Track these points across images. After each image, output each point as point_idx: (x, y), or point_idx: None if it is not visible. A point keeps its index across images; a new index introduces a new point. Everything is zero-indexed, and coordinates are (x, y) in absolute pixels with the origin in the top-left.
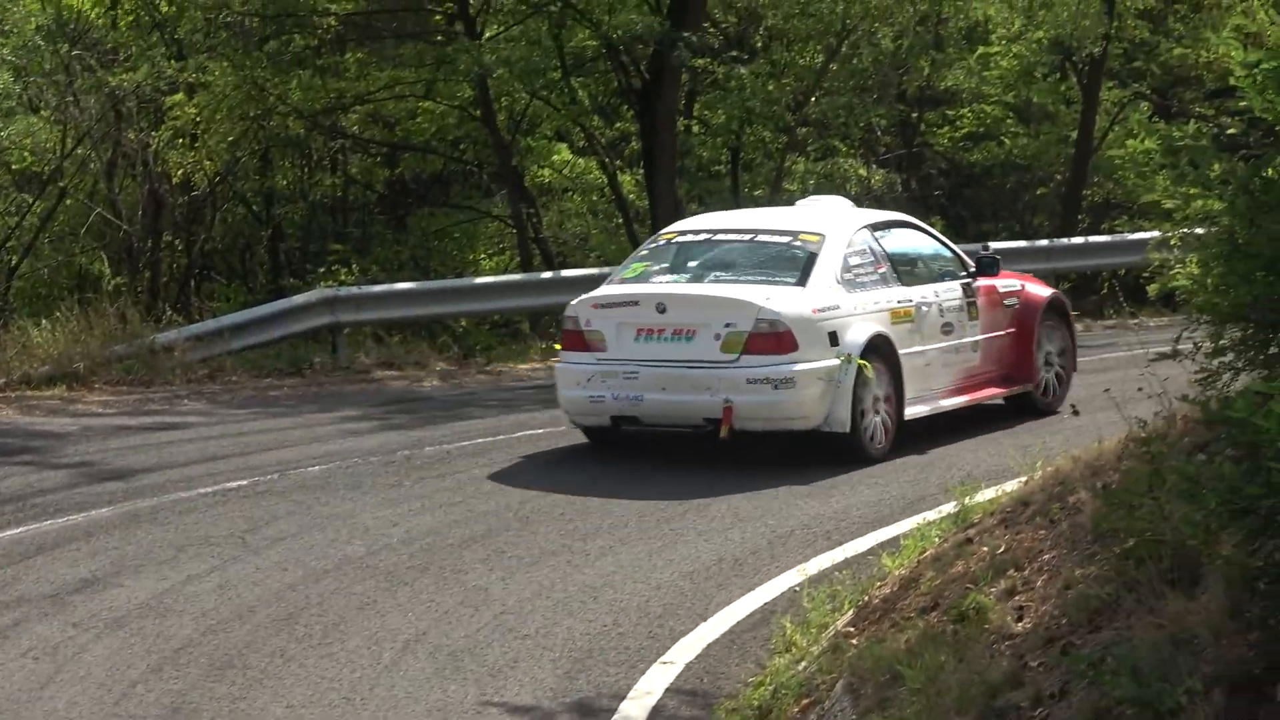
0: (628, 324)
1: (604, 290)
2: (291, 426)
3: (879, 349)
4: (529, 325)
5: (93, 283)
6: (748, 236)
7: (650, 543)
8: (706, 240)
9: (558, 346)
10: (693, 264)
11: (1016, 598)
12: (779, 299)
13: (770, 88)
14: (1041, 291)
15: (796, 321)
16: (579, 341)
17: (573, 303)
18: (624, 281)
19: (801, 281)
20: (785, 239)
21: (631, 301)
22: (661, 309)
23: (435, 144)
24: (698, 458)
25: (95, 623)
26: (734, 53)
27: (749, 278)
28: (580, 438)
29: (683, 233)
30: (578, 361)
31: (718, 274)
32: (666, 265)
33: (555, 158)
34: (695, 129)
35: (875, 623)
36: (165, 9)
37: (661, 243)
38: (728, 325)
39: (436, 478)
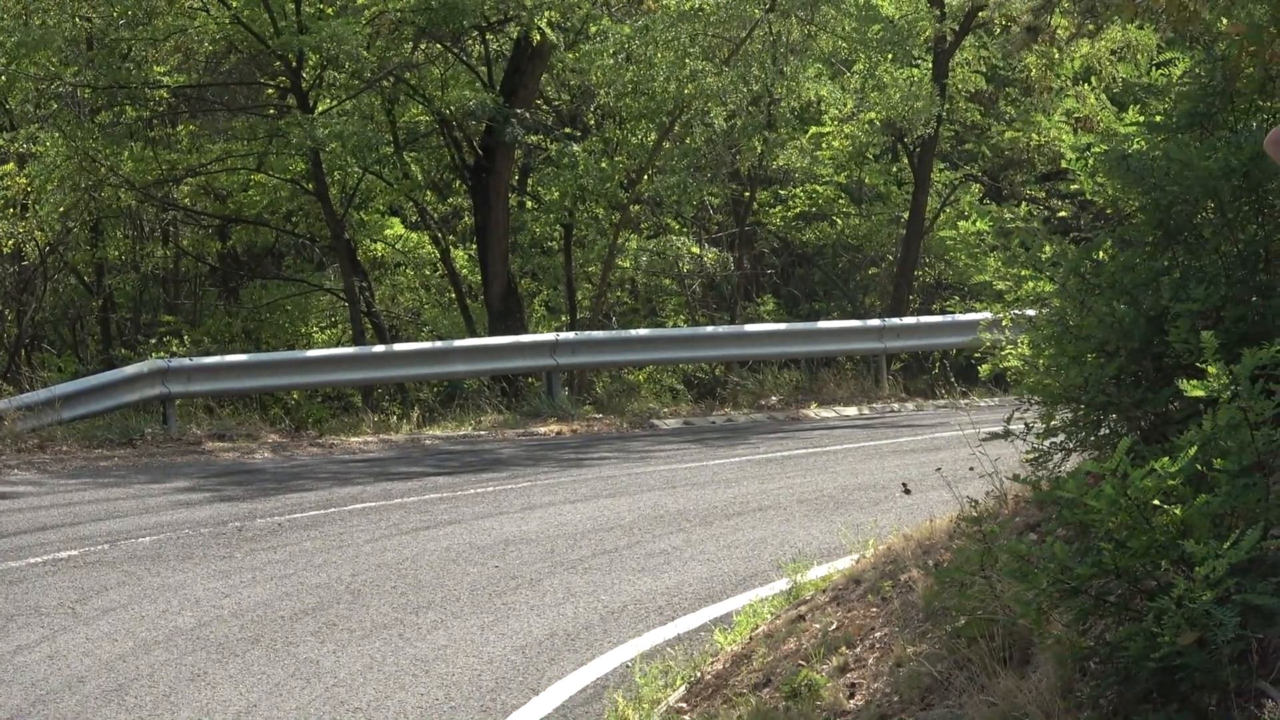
0: None
1: None
2: (122, 497)
3: None
4: (361, 398)
5: None
6: None
7: (482, 616)
8: None
9: None
10: None
11: (848, 675)
12: None
13: (603, 165)
14: None
15: None
16: None
17: None
18: None
19: None
20: None
21: None
22: None
23: (268, 217)
24: (530, 533)
25: None
26: (567, 130)
27: None
28: (410, 510)
29: None
30: None
31: None
32: None
33: (388, 232)
34: (528, 205)
35: (707, 699)
36: None
37: None
38: None
39: (268, 550)
